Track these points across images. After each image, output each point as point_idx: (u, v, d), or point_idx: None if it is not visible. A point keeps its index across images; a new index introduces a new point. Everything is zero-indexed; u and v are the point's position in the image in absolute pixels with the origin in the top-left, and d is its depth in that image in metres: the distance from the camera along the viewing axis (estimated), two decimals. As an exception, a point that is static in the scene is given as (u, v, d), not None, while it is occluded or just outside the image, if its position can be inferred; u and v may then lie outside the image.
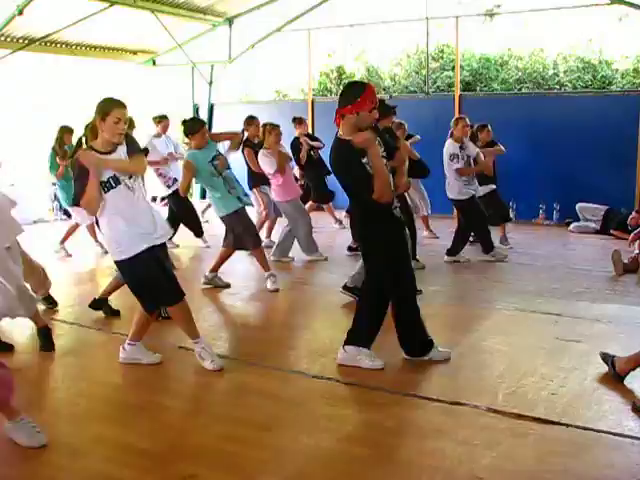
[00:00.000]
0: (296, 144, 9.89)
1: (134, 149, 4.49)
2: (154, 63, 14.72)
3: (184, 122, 6.98)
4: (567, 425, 3.75)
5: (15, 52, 11.46)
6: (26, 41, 11.66)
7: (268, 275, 6.88)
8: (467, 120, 8.18)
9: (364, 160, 4.31)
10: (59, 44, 12.51)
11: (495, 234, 8.69)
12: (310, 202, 10.15)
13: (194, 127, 6.70)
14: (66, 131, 8.83)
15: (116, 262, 4.59)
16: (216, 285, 6.97)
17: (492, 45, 16.99)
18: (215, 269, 7.01)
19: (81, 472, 3.35)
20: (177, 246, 9.14)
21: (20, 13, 10.06)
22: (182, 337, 4.99)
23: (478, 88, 16.41)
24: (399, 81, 17.76)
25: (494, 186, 8.83)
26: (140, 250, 4.40)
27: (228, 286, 6.99)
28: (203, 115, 14.82)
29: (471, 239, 9.01)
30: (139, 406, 4.16)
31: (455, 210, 8.84)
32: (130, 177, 4.42)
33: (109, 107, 4.32)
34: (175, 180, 8.84)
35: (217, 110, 14.92)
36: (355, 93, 4.28)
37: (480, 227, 8.29)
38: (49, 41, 12.09)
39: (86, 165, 4.23)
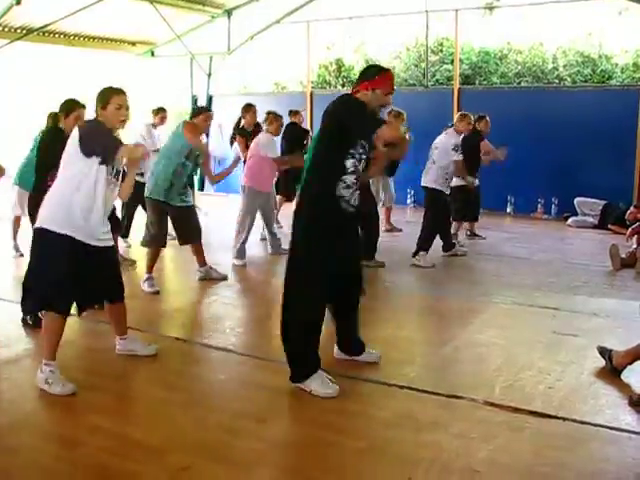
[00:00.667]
0: (291, 130, 9.94)
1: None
2: (153, 54, 14.69)
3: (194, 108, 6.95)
4: (564, 419, 3.75)
5: (12, 42, 11.42)
6: (24, 31, 11.62)
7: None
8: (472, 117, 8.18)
9: (361, 142, 4.13)
10: (57, 34, 12.49)
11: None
12: (280, 195, 9.85)
13: (198, 110, 6.77)
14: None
15: (34, 228, 4.28)
16: (211, 277, 6.92)
17: (492, 39, 16.97)
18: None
19: (78, 462, 3.34)
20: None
21: (18, 3, 10.03)
22: (179, 329, 5.00)
23: (477, 82, 16.40)
24: (398, 74, 17.70)
25: (477, 182, 8.80)
26: (62, 232, 4.07)
27: (225, 278, 6.96)
28: (201, 107, 14.79)
29: (468, 232, 9.03)
30: (135, 397, 4.16)
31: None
32: (118, 179, 4.27)
33: (109, 95, 4.20)
34: None
35: (216, 101, 14.88)
36: (374, 72, 4.20)
37: (444, 224, 8.06)
38: (47, 31, 12.07)
39: (132, 160, 4.14)
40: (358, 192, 4.21)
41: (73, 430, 3.71)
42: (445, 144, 7.82)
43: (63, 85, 13.72)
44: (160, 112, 9.54)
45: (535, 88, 14.56)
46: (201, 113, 6.60)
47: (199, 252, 6.88)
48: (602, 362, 4.47)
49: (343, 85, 17.82)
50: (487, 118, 8.91)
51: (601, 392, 4.15)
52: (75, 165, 4.09)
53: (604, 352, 4.50)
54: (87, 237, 4.13)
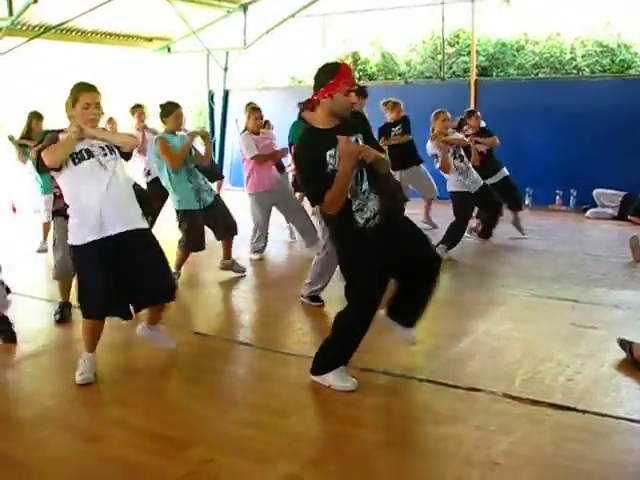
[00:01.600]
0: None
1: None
2: (169, 50, 14.72)
3: (160, 106, 6.61)
4: (584, 411, 3.73)
5: (30, 40, 11.48)
6: (41, 29, 11.69)
7: None
8: (447, 114, 7.78)
9: (329, 153, 3.85)
10: (74, 32, 12.54)
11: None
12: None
13: (168, 110, 6.46)
14: (35, 117, 8.33)
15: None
16: (232, 269, 6.92)
17: (508, 30, 16.85)
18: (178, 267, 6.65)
19: (98, 456, 3.37)
20: None
21: (35, 1, 10.06)
22: (198, 323, 5.02)
23: (494, 73, 16.30)
24: (414, 67, 17.68)
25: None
26: (86, 241, 4.05)
27: (244, 271, 6.98)
28: (218, 102, 14.83)
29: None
30: (156, 391, 4.18)
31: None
32: (106, 154, 4.11)
33: (77, 92, 4.11)
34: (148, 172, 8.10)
35: (232, 96, 14.90)
36: (328, 74, 3.86)
37: (464, 224, 7.79)
38: (64, 29, 12.11)
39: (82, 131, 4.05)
40: (370, 198, 3.95)
41: (94, 424, 3.75)
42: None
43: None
44: (137, 109, 8.95)
45: (553, 79, 14.44)
46: (170, 114, 6.41)
47: (229, 245, 6.87)
48: (623, 354, 4.44)
49: (359, 78, 17.78)
50: (477, 113, 8.73)
51: (622, 384, 4.12)
52: (60, 181, 4.21)
53: (625, 344, 4.48)
54: (110, 227, 4.03)
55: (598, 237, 9.14)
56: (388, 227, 3.99)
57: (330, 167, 3.83)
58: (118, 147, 4.19)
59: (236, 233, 6.80)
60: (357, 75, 17.92)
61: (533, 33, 16.85)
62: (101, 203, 4.01)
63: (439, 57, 15.66)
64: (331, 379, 4.04)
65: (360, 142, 3.92)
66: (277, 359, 4.67)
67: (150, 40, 14.21)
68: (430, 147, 7.61)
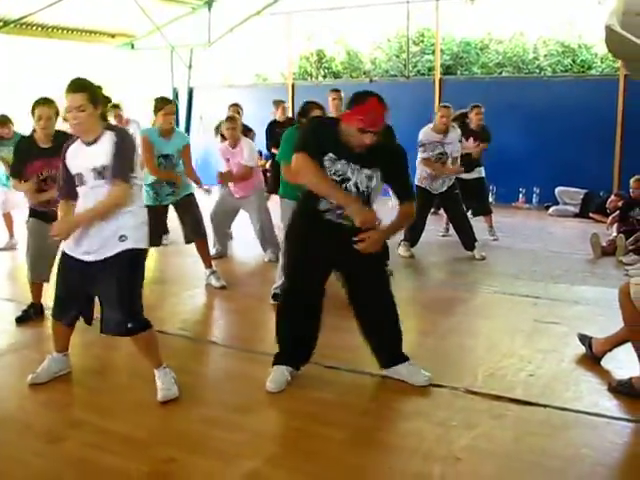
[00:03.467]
0: (272, 129, 9.53)
1: (117, 170, 3.68)
2: (132, 46, 14.58)
3: (153, 100, 6.31)
4: (545, 406, 3.79)
5: (-10, 35, 11.31)
6: (0, 23, 11.49)
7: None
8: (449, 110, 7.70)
9: (331, 155, 3.73)
10: (35, 26, 12.36)
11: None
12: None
13: (156, 106, 6.09)
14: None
15: None
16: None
17: (473, 29, 17.00)
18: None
19: (59, 458, 3.33)
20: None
21: (-6, -6, 9.91)
22: (161, 321, 4.98)
23: (459, 72, 16.44)
24: (379, 65, 17.75)
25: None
26: (63, 250, 3.96)
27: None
28: (182, 99, 14.72)
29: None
30: (119, 391, 4.14)
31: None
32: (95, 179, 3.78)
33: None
34: None
35: (196, 93, 14.83)
36: (352, 101, 3.66)
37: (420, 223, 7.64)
38: (24, 23, 11.93)
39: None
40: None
41: (56, 425, 3.69)
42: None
43: (40, 79, 13.60)
44: (114, 109, 8.65)
45: (516, 78, 14.60)
46: (159, 110, 6.02)
47: (201, 251, 6.50)
48: (583, 349, 4.51)
49: (325, 76, 17.81)
50: (481, 109, 8.72)
51: (581, 379, 4.19)
52: None
53: (584, 339, 4.55)
54: (82, 253, 3.82)
55: (560, 234, 9.27)
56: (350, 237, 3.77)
57: (326, 167, 3.72)
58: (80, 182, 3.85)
59: (200, 236, 6.46)
60: (322, 73, 17.94)
61: (497, 33, 17.02)
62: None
63: (404, 56, 15.73)
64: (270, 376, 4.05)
65: (374, 179, 3.78)
66: (241, 357, 4.66)
67: (113, 36, 14.07)
68: (422, 134, 7.58)
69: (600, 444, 3.40)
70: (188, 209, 6.37)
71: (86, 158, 3.73)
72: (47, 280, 5.20)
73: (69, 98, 3.69)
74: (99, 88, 3.82)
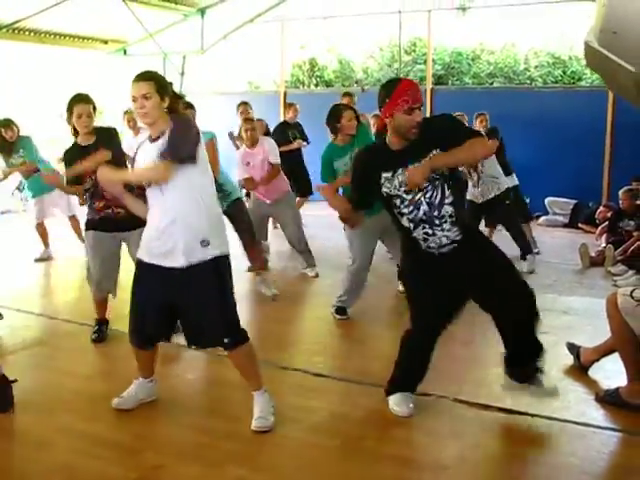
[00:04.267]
0: (282, 130, 9.70)
1: (166, 148, 3.45)
2: (125, 52, 14.57)
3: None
4: (532, 415, 3.80)
5: (-18, 40, 11.28)
6: (-7, 28, 11.48)
7: None
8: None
9: (385, 175, 3.60)
10: (27, 32, 12.31)
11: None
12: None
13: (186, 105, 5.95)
14: (3, 125, 7.61)
15: None
16: None
17: (464, 39, 17.08)
18: None
19: (46, 463, 3.32)
20: None
21: (-14, -1, 9.89)
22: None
23: (450, 82, 16.50)
24: (371, 74, 17.79)
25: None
26: (140, 257, 3.69)
27: None
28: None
29: None
30: (106, 396, 4.11)
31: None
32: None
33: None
34: None
35: (189, 100, 14.80)
36: (385, 93, 3.53)
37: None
38: (17, 28, 11.89)
39: None
40: (444, 228, 3.58)
41: (43, 431, 3.68)
42: None
43: (34, 85, 13.58)
44: (127, 115, 8.70)
45: (507, 89, 14.66)
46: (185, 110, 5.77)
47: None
48: (571, 359, 4.53)
49: (317, 85, 17.84)
50: (485, 116, 8.83)
51: (569, 388, 4.21)
52: None
53: (573, 349, 4.57)
54: (152, 256, 3.61)
55: (550, 244, 9.29)
56: (462, 255, 3.63)
57: (385, 190, 3.60)
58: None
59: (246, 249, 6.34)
60: (314, 81, 17.98)
61: (488, 43, 17.10)
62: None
63: (396, 65, 15.77)
64: (391, 402, 3.90)
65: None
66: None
67: (106, 42, 14.05)
68: None
69: (587, 453, 3.42)
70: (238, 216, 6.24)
71: (149, 156, 3.53)
72: (113, 293, 5.04)
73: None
74: (169, 83, 3.67)
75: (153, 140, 3.54)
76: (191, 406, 4.00)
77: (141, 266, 3.65)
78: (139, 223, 3.86)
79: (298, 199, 9.89)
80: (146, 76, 3.50)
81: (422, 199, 3.54)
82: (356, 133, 5.53)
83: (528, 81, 16.15)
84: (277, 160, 6.86)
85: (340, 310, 5.66)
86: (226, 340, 3.59)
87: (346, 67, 18.05)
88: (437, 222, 3.55)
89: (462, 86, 15.85)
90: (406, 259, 3.90)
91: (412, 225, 3.60)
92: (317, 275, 7.09)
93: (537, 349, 3.91)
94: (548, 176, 11.10)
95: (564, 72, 16.09)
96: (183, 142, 3.45)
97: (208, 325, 3.56)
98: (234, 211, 6.16)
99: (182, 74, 14.56)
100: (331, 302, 5.76)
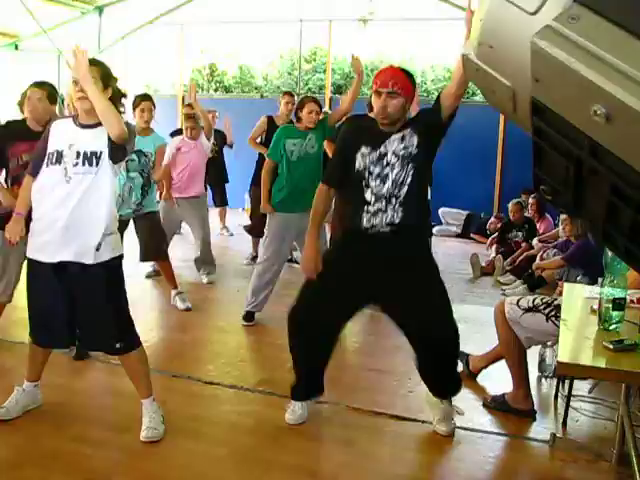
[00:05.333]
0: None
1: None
2: (17, 47, 14.03)
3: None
4: (423, 421, 3.87)
5: None
6: None
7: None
8: None
9: (362, 151, 3.57)
10: None
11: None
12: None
13: (133, 103, 5.78)
14: None
15: None
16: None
17: (365, 51, 17.33)
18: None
19: None
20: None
21: None
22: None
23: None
24: (271, 81, 17.83)
25: None
26: (32, 257, 3.51)
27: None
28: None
29: None
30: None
31: None
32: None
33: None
34: None
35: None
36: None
37: None
38: None
39: None
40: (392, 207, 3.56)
41: None
42: None
43: None
44: None
45: (404, 101, 14.97)
46: (135, 107, 5.82)
47: (165, 273, 6.22)
48: (460, 366, 4.63)
49: (216, 90, 17.70)
50: None
51: (458, 395, 4.28)
52: None
53: (462, 357, 4.67)
54: (48, 253, 3.41)
55: (442, 254, 9.49)
56: (395, 245, 3.56)
57: (357, 167, 3.56)
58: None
59: (148, 259, 6.24)
60: (214, 86, 17.83)
61: (388, 55, 17.43)
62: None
63: (295, 73, 15.88)
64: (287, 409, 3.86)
65: (407, 139, 3.55)
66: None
67: (-5, 36, 13.50)
68: None
69: (474, 458, 3.50)
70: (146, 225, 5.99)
71: (76, 139, 3.35)
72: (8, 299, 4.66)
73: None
74: (115, 78, 3.55)
75: (85, 127, 3.39)
76: (78, 416, 3.84)
77: (34, 265, 3.50)
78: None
79: (220, 209, 9.83)
80: (91, 61, 3.38)
81: (390, 174, 3.52)
82: (315, 127, 5.57)
83: (425, 94, 16.55)
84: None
85: (248, 316, 5.63)
86: (118, 346, 3.49)
87: (246, 73, 18.00)
88: (393, 200, 3.52)
89: (361, 96, 16.05)
90: (335, 242, 3.92)
91: (373, 198, 3.53)
92: (212, 282, 7.03)
93: (455, 387, 3.88)
94: (442, 187, 11.38)
95: (459, 87, 16.59)
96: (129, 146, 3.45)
97: (98, 329, 3.47)
98: (145, 221, 5.94)
99: (77, 73, 14.14)
100: (232, 310, 5.73)
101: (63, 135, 3.41)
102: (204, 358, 4.97)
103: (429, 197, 4.85)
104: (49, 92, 4.55)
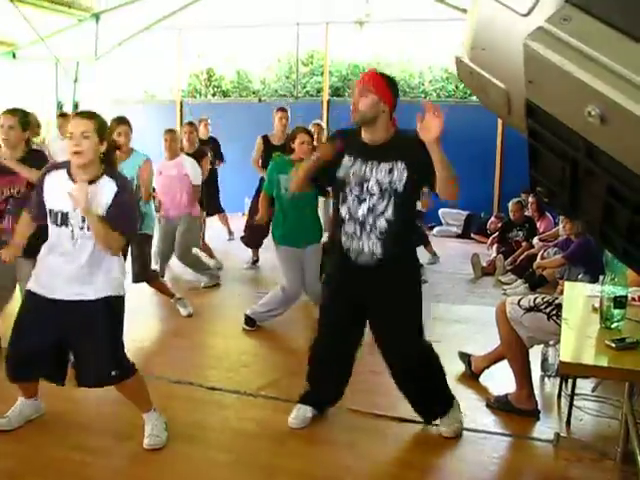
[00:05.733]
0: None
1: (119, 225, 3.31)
2: (14, 56, 14.04)
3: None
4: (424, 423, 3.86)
5: None
6: None
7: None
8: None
9: (345, 160, 3.57)
10: None
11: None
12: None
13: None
14: None
15: None
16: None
17: (362, 53, 17.35)
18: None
19: None
20: None
21: None
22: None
23: (347, 94, 16.70)
24: (269, 85, 17.82)
25: None
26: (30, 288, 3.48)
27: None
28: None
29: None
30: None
31: None
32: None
33: None
34: None
35: (82, 108, 14.40)
36: None
37: None
38: None
39: None
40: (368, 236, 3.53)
41: None
42: None
43: None
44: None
45: (402, 101, 14.96)
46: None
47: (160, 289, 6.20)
48: (463, 367, 4.64)
49: (214, 95, 17.71)
50: None
51: (461, 396, 4.26)
52: None
53: (464, 357, 4.69)
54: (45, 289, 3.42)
55: (443, 254, 9.49)
56: (373, 276, 3.55)
57: (340, 175, 3.54)
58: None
59: (137, 281, 5.88)
60: (211, 91, 17.84)
61: (385, 57, 17.44)
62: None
63: (293, 76, 15.87)
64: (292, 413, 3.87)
65: (396, 172, 3.51)
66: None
67: (-7, 44, 13.51)
68: None
69: (477, 458, 3.50)
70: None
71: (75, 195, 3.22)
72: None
73: (73, 122, 3.30)
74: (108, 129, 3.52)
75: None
76: (79, 425, 3.84)
77: (31, 297, 3.47)
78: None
79: (220, 216, 9.76)
80: (87, 114, 3.35)
81: (367, 199, 3.49)
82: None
83: (423, 95, 16.56)
84: (197, 182, 6.78)
85: (250, 320, 5.61)
86: (113, 374, 3.43)
87: (243, 78, 18.00)
88: (368, 228, 3.47)
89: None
90: (329, 262, 3.95)
91: (347, 217, 3.52)
92: (208, 287, 7.04)
93: (443, 409, 3.80)
94: (442, 188, 11.38)
95: (457, 87, 16.58)
96: (132, 218, 3.53)
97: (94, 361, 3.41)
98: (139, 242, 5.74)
99: (75, 81, 14.16)
100: (233, 315, 5.73)
101: (63, 193, 3.26)
102: (205, 364, 4.97)
103: (429, 196, 4.84)
104: (20, 119, 4.43)
